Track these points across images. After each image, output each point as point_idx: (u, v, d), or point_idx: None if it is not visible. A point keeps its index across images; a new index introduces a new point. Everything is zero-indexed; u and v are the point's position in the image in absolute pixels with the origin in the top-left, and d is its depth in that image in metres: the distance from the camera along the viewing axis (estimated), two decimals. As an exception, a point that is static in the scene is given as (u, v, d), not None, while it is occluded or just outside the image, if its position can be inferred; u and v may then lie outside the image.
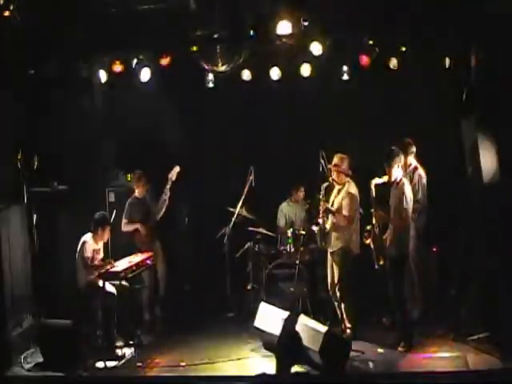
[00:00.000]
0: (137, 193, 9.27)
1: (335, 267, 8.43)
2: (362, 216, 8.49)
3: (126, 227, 9.18)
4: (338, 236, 8.44)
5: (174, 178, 9.15)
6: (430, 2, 8.12)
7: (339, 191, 8.51)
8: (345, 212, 8.34)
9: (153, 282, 9.15)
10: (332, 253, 8.49)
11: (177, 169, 9.16)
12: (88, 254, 8.38)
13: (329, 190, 8.57)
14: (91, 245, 8.44)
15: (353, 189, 8.43)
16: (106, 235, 8.53)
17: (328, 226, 8.49)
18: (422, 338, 8.22)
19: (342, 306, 8.45)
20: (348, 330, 8.41)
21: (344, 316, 8.46)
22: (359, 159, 8.73)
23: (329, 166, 8.51)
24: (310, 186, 9.38)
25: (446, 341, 8.13)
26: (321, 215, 8.50)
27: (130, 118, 9.81)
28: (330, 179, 8.48)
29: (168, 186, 9.14)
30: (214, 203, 10.11)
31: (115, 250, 8.72)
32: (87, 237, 8.47)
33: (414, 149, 8.59)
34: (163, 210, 9.22)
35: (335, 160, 8.49)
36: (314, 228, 8.67)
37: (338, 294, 8.43)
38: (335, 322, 8.54)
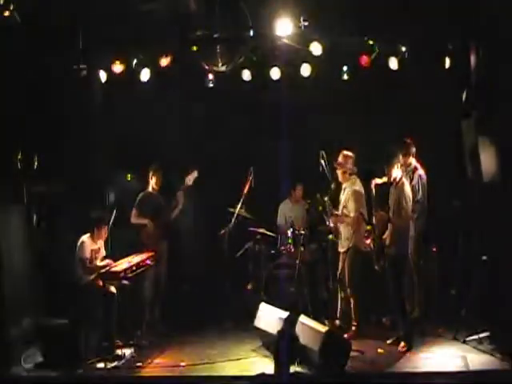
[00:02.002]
0: (150, 187, 9.22)
1: (346, 266, 8.45)
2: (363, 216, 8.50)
3: (134, 219, 9.12)
4: (347, 236, 8.46)
5: (190, 183, 9.11)
6: (429, 1, 8.13)
7: (344, 190, 8.53)
8: (352, 214, 8.36)
9: (153, 282, 9.14)
10: (342, 253, 8.52)
11: (195, 174, 9.08)
12: (86, 254, 8.37)
13: (335, 194, 8.60)
14: (89, 245, 8.43)
15: (358, 188, 8.44)
16: (104, 235, 8.52)
17: (341, 227, 8.54)
18: (422, 338, 8.22)
19: (351, 303, 8.45)
20: (353, 328, 8.41)
21: (352, 314, 8.46)
22: (359, 159, 8.73)
23: (334, 165, 8.53)
24: (310, 186, 9.38)
25: (446, 341, 8.13)
26: (332, 224, 8.54)
27: (129, 118, 9.81)
28: (336, 178, 8.51)
29: (183, 189, 9.10)
30: (214, 203, 10.11)
31: (116, 249, 8.72)
32: (85, 237, 8.46)
33: (414, 149, 8.59)
34: (176, 211, 9.19)
35: (339, 158, 8.51)
36: (330, 236, 8.71)
37: (347, 291, 8.45)
38: (335, 322, 8.55)
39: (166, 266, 9.27)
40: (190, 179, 9.07)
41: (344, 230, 8.51)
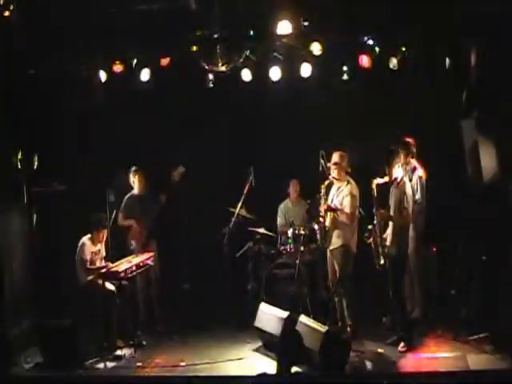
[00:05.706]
0: (135, 189, 9.26)
1: (336, 265, 8.42)
2: (362, 216, 8.49)
3: (121, 221, 9.19)
4: (338, 234, 8.42)
5: (177, 179, 9.13)
6: (430, 1, 8.13)
7: (339, 189, 8.51)
8: (347, 210, 8.33)
9: (145, 282, 9.13)
10: (332, 250, 8.48)
11: (181, 169, 9.11)
12: (86, 255, 8.39)
13: (328, 188, 8.58)
14: (89, 247, 8.44)
15: (354, 188, 8.43)
16: (103, 237, 8.52)
17: (329, 223, 8.49)
18: (422, 337, 8.22)
19: (344, 303, 8.44)
20: (348, 329, 8.40)
21: (345, 314, 8.45)
22: (359, 159, 8.73)
23: (329, 165, 8.51)
24: (310, 186, 9.38)
25: (446, 341, 8.13)
26: (322, 213, 8.49)
27: (129, 118, 9.81)
28: (331, 177, 8.47)
29: (169, 186, 9.11)
30: (214, 203, 10.10)
31: (116, 250, 8.72)
32: (85, 238, 8.48)
33: (414, 149, 8.59)
34: (158, 209, 9.20)
35: (335, 158, 8.49)
36: (316, 226, 8.67)
37: (339, 291, 8.42)
38: (335, 322, 8.54)
39: (158, 265, 9.25)
40: (177, 175, 9.09)
41: (336, 227, 8.46)
